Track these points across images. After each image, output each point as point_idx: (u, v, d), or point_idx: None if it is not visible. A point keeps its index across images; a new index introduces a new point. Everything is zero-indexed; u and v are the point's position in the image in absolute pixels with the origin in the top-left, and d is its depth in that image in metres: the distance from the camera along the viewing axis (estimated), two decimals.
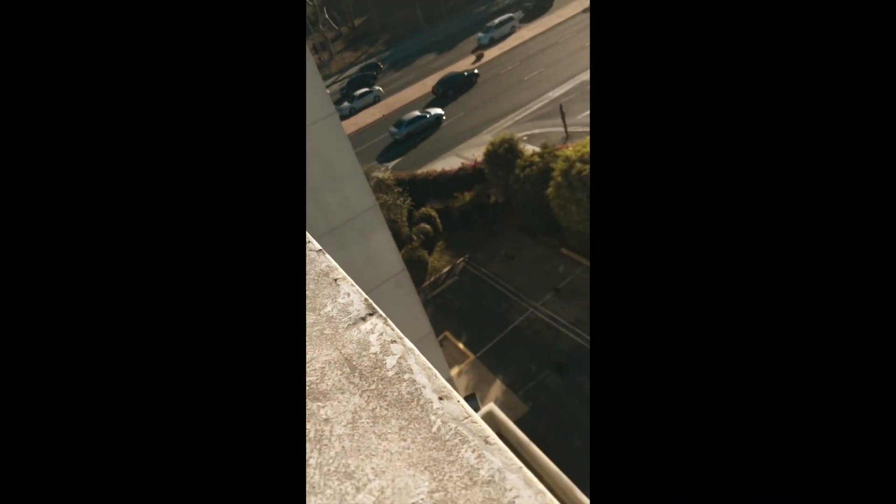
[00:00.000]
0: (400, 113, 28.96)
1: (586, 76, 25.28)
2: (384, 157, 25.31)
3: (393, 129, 26.15)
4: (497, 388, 11.93)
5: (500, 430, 9.70)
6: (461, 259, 16.64)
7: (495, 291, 14.80)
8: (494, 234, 17.24)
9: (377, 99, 31.90)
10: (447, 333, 13.88)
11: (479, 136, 23.55)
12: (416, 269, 15.74)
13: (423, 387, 0.68)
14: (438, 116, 26.27)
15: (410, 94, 31.59)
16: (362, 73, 35.96)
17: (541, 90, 25.70)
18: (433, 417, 0.65)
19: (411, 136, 25.81)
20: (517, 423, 10.40)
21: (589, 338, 12.34)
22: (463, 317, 14.34)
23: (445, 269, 16.46)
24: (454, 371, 12.55)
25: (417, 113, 26.53)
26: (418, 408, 0.67)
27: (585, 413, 10.70)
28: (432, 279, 16.30)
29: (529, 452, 9.05)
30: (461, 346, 13.44)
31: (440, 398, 0.67)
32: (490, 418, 9.75)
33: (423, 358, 0.72)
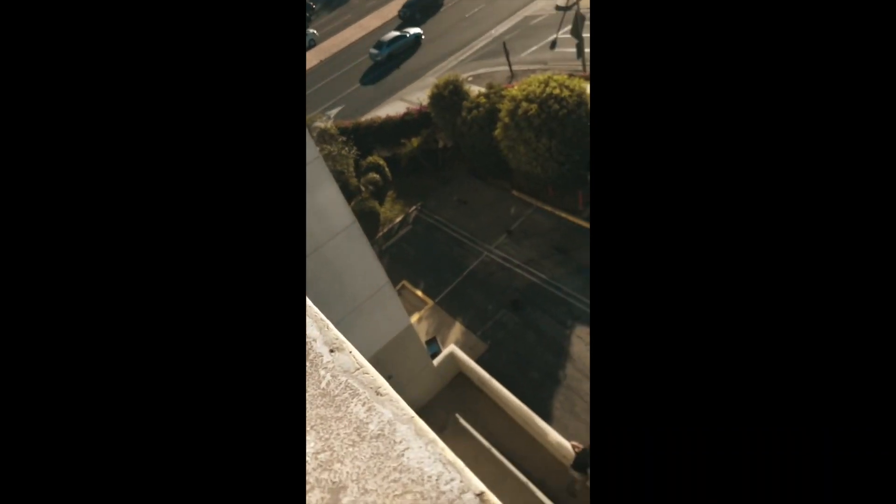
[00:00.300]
0: (338, 57, 27.52)
1: (528, 11, 24.60)
2: (367, 79, 24.81)
3: (373, 51, 25.11)
4: (457, 330, 12.22)
5: (463, 369, 10.04)
6: (413, 208, 16.48)
7: (449, 238, 14.85)
8: (445, 181, 17.08)
9: (312, 43, 30.01)
10: (405, 283, 13.94)
11: (423, 78, 22.78)
12: (368, 220, 15.50)
13: (314, 340, 0.62)
14: (418, 36, 25.45)
15: (349, 35, 29.91)
16: None
17: (483, 28, 24.87)
18: (322, 372, 0.59)
19: (392, 56, 24.91)
20: (478, 361, 10.77)
21: (542, 276, 12.70)
22: (419, 265, 14.39)
23: (398, 219, 16.29)
24: (414, 318, 12.72)
25: (396, 33, 25.54)
26: (307, 363, 0.61)
27: (541, 347, 11.17)
28: (385, 230, 16.13)
29: (491, 388, 9.45)
30: (419, 293, 13.56)
31: (331, 350, 0.61)
32: (452, 359, 10.04)
33: (315, 309, 0.65)
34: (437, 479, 0.52)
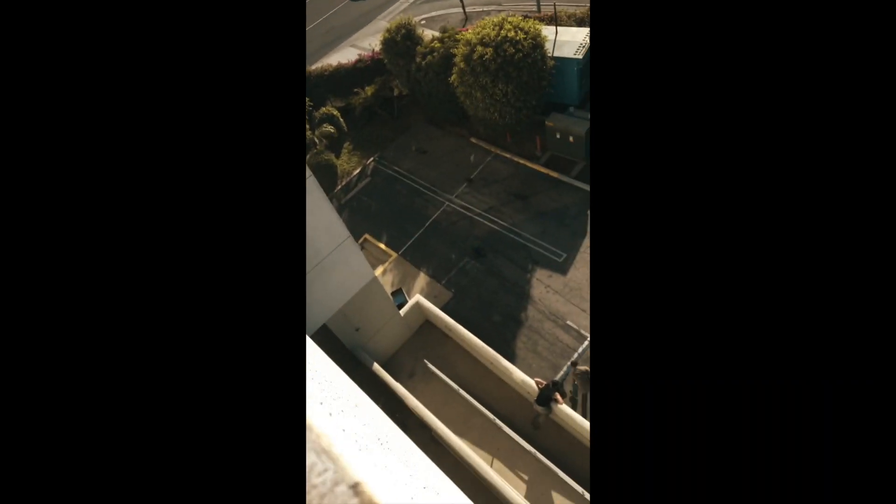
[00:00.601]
0: None
1: None
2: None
3: None
4: (422, 280, 12.39)
5: (429, 318, 10.29)
6: (371, 159, 16.16)
7: (410, 188, 14.74)
8: (402, 129, 16.73)
9: None
10: (367, 236, 13.88)
11: (374, 22, 21.73)
12: (325, 174, 15.13)
13: None
14: None
15: None
16: None
17: None
18: None
19: None
20: (443, 309, 11.04)
21: (503, 223, 12.90)
22: (381, 217, 14.31)
23: (356, 171, 15.97)
24: (378, 271, 12.79)
25: None
26: None
27: (503, 291, 11.52)
28: (344, 183, 15.82)
29: (457, 333, 9.76)
30: (382, 246, 13.57)
31: None
32: (418, 309, 10.25)
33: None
34: (308, 471, 0.49)
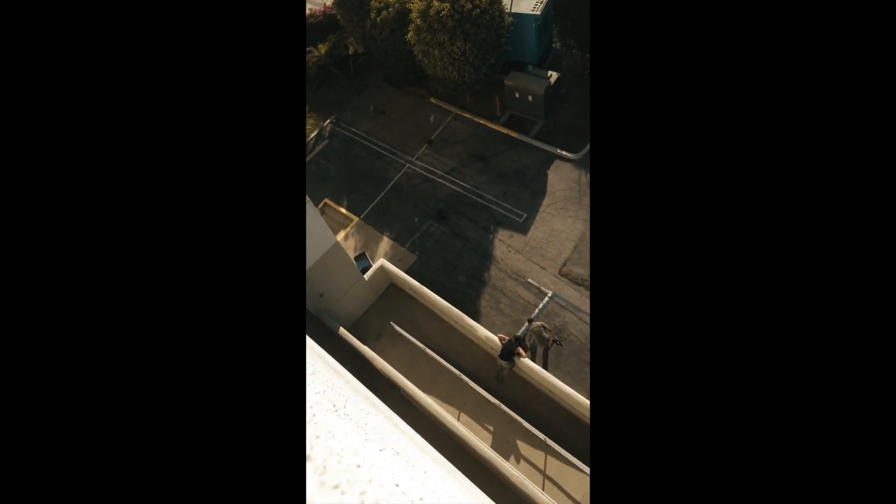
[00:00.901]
0: None
1: None
2: None
3: None
4: (385, 244, 12.39)
5: (394, 281, 10.38)
6: (328, 121, 15.70)
7: (369, 151, 14.48)
8: (359, 89, 16.25)
9: None
10: (327, 200, 13.65)
11: None
12: None
13: None
14: None
15: None
16: None
17: None
18: None
19: None
20: (408, 272, 11.14)
21: (465, 184, 12.93)
22: (340, 181, 14.06)
23: (313, 134, 15.51)
24: (340, 235, 12.68)
25: None
26: None
27: (466, 252, 11.69)
28: None
29: (422, 295, 9.91)
30: (343, 210, 13.40)
31: None
32: (382, 272, 10.31)
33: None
34: None
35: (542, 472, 7.87)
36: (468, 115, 14.49)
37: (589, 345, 9.85)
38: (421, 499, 0.72)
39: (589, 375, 9.53)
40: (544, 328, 9.29)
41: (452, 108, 14.78)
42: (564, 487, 7.69)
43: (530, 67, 13.70)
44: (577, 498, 7.55)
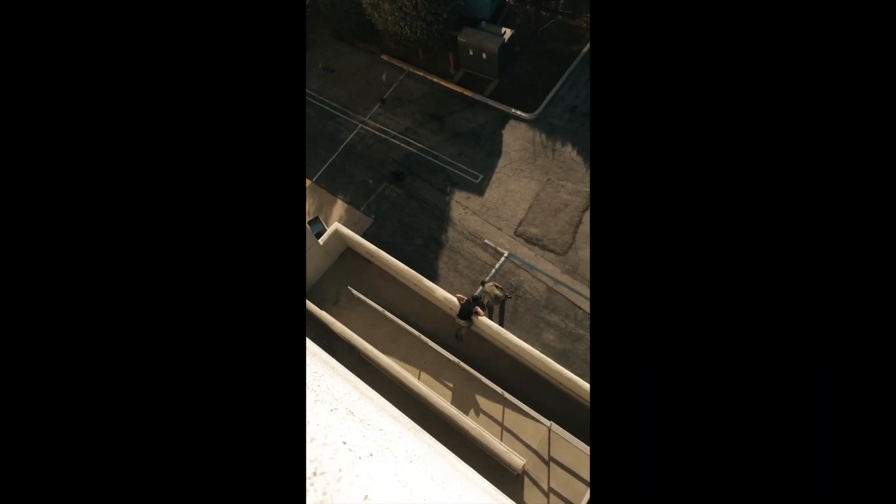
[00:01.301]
0: None
1: None
2: None
3: None
4: (339, 207, 12.17)
5: (350, 245, 10.26)
6: None
7: (321, 111, 13.95)
8: (307, 45, 15.47)
9: None
10: None
11: None
12: None
13: None
14: None
15: None
16: None
17: None
18: None
19: None
20: (364, 235, 11.03)
21: (419, 145, 12.74)
22: None
23: None
24: None
25: None
26: None
27: (423, 214, 11.66)
28: None
29: (379, 258, 9.87)
30: None
31: None
32: (337, 236, 10.16)
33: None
34: None
35: (500, 424, 8.23)
36: (422, 73, 14.14)
37: (543, 301, 10.18)
38: (371, 455, 0.75)
39: (542, 330, 9.90)
40: (496, 287, 9.53)
41: (405, 66, 14.36)
42: (521, 436, 8.09)
43: (484, 24, 13.41)
44: (533, 445, 7.97)
